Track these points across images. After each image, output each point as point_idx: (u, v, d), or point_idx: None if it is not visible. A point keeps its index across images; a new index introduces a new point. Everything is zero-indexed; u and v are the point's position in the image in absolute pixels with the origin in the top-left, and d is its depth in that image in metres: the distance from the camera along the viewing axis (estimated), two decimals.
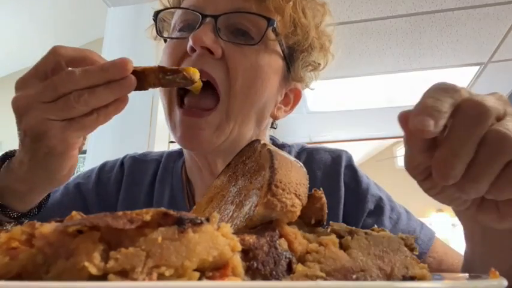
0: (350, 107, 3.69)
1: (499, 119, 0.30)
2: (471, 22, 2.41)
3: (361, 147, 5.22)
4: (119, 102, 0.43)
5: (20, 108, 0.42)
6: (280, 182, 0.28)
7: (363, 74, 3.03)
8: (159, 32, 0.64)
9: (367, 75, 3.03)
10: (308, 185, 0.31)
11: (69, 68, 0.41)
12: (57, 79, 0.39)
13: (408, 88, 3.22)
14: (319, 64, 0.68)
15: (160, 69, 0.44)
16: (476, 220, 0.38)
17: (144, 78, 0.43)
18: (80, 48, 0.42)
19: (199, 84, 0.48)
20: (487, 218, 0.34)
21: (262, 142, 0.37)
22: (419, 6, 2.27)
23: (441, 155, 0.29)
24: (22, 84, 0.42)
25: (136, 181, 0.72)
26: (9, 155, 0.49)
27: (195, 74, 0.45)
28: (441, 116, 0.29)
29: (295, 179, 0.30)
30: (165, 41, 0.65)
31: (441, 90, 0.31)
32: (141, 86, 0.43)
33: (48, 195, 0.53)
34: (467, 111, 0.30)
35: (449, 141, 0.29)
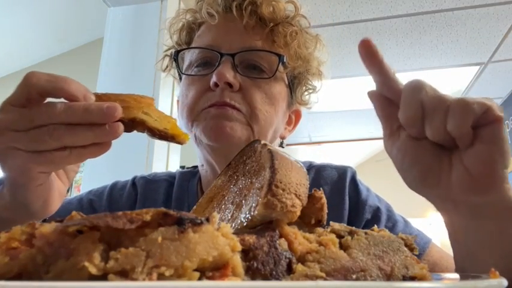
0: (350, 107, 3.69)
1: None
2: (471, 22, 2.41)
3: (361, 147, 5.21)
4: (100, 147, 0.39)
5: None
6: (281, 182, 0.28)
7: (363, 74, 3.03)
8: (180, 70, 0.71)
9: (367, 75, 3.02)
10: (308, 186, 0.31)
11: (49, 100, 0.38)
12: (36, 110, 0.37)
13: None
14: (315, 87, 0.77)
15: (150, 131, 0.40)
16: (455, 208, 0.39)
17: (131, 126, 0.40)
18: (55, 76, 0.38)
19: (186, 137, 0.44)
20: (462, 188, 0.36)
21: (262, 142, 0.37)
22: (419, 6, 2.27)
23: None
24: (2, 108, 0.39)
25: (150, 200, 0.74)
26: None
27: (185, 140, 0.42)
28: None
29: (295, 179, 0.30)
30: (180, 75, 0.73)
31: None
32: (128, 129, 0.40)
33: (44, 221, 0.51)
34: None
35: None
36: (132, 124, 0.40)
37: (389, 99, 0.40)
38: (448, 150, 0.37)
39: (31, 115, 0.37)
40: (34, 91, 0.37)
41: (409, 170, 0.39)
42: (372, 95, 0.42)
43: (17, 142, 0.37)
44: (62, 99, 0.38)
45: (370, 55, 0.40)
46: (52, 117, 0.36)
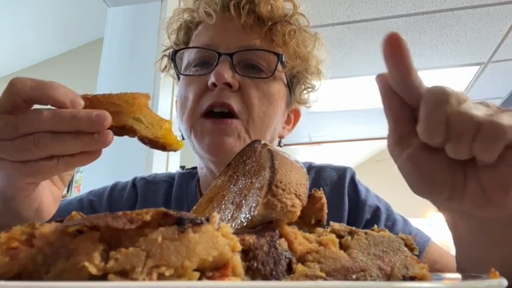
0: (350, 107, 3.69)
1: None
2: (471, 22, 2.41)
3: (361, 147, 5.21)
4: (90, 155, 0.38)
5: None
6: (281, 182, 0.28)
7: (363, 74, 3.03)
8: (179, 70, 0.71)
9: (367, 75, 3.03)
10: (308, 186, 0.31)
11: (36, 107, 0.36)
12: (21, 118, 0.35)
13: None
14: (314, 86, 0.77)
15: (140, 139, 0.40)
16: (462, 217, 0.38)
17: (121, 132, 0.39)
18: (41, 82, 0.36)
19: (179, 146, 0.42)
20: (474, 204, 0.33)
21: (262, 142, 0.37)
22: (419, 6, 2.27)
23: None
24: None
25: (150, 201, 0.74)
26: None
27: (178, 148, 0.41)
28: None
29: (295, 179, 0.30)
30: (178, 75, 0.73)
31: None
32: (118, 134, 0.39)
33: None
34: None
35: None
36: (122, 131, 0.39)
37: (402, 99, 0.35)
38: (462, 162, 0.33)
39: (16, 123, 0.35)
40: (19, 98, 0.35)
41: (420, 182, 0.35)
42: (381, 83, 0.36)
43: (2, 152, 0.36)
44: (49, 106, 0.36)
45: (397, 56, 0.33)
46: (37, 125, 0.35)
